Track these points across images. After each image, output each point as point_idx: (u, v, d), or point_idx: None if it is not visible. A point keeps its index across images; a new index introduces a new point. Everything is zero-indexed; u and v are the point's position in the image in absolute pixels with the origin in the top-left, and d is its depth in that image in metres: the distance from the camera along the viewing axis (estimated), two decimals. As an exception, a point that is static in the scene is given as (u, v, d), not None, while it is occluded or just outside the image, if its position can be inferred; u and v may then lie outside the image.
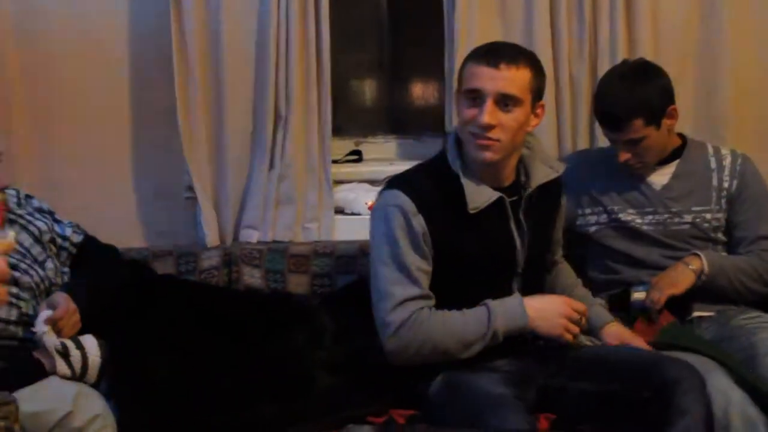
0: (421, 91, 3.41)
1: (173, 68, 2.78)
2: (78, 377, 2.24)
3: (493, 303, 2.25)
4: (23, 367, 2.23)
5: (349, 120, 3.26)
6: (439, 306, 2.30)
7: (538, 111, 2.30)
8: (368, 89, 3.44)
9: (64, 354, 2.22)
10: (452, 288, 2.30)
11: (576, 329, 2.26)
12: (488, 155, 2.24)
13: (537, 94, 2.27)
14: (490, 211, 2.28)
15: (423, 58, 3.32)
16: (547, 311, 2.25)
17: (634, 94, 2.51)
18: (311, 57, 2.83)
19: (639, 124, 2.51)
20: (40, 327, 2.22)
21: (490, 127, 2.20)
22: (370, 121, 3.33)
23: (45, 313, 2.25)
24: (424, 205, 2.28)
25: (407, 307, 2.26)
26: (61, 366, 2.22)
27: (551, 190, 2.41)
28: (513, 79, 2.21)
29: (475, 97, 2.22)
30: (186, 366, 2.40)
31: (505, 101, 2.21)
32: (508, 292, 2.32)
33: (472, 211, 2.26)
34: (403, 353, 2.27)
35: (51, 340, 2.21)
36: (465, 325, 2.25)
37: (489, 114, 2.20)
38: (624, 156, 2.57)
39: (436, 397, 2.27)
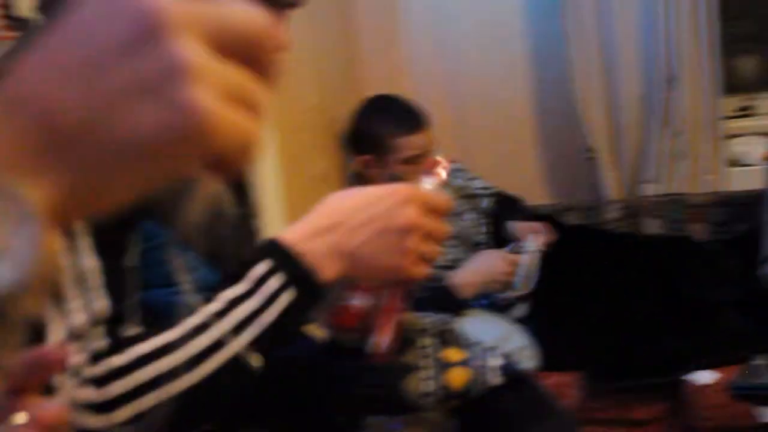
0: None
1: (567, 46, 2.95)
2: (516, 297, 2.43)
3: None
4: (444, 300, 2.38)
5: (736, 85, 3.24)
6: None
7: None
8: (750, 59, 3.41)
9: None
10: None
11: None
12: None
13: None
14: None
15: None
16: None
17: None
18: (700, 22, 2.87)
19: None
20: (532, 244, 2.44)
21: None
22: (756, 88, 3.28)
23: (535, 236, 2.47)
24: None
25: None
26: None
27: None
28: None
29: None
30: (598, 304, 2.56)
31: None
32: None
33: None
34: None
35: (527, 258, 2.41)
36: None
37: None
38: None
39: None
